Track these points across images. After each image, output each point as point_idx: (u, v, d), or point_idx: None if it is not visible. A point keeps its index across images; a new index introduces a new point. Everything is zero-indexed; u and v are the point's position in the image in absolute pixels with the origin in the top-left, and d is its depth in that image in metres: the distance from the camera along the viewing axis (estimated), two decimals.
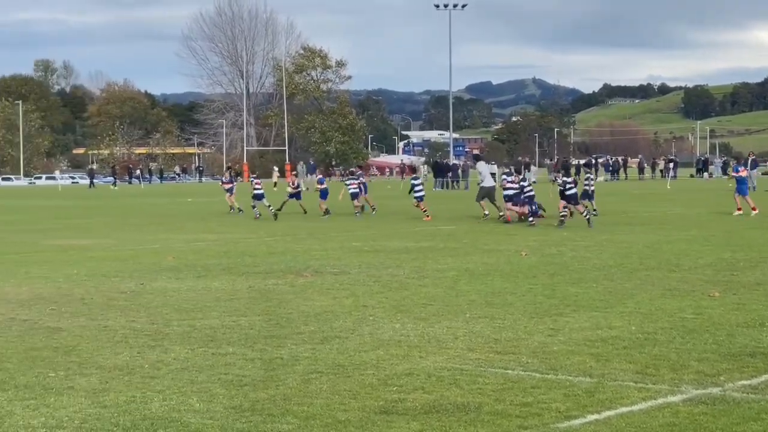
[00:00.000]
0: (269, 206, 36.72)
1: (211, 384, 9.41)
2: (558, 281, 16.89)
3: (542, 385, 9.21)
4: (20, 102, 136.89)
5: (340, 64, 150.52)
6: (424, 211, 34.93)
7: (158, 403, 8.72)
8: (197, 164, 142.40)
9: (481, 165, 37.73)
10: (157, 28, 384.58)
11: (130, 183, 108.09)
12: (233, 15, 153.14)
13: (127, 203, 37.87)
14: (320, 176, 42.58)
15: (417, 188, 35.42)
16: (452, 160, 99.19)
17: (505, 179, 33.73)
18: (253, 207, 36.84)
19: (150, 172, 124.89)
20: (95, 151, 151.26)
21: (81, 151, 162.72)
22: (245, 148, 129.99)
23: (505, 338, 11.63)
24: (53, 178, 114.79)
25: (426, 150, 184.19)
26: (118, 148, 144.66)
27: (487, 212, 34.31)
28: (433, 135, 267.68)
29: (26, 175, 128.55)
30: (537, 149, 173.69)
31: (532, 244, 24.03)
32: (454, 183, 74.84)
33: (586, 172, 38.46)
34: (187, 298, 15.46)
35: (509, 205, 32.79)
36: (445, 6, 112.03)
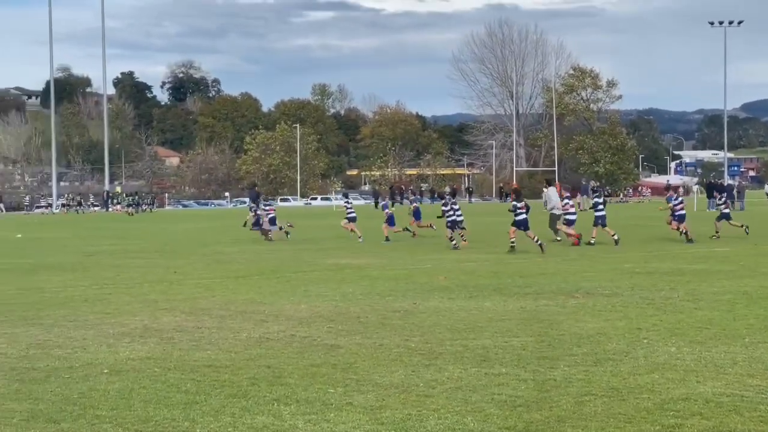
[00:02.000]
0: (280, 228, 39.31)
1: (485, 404, 9.45)
2: None
3: None
4: (298, 125, 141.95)
5: (611, 83, 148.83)
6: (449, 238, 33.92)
7: (434, 422, 8.82)
8: (467, 185, 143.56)
9: (551, 192, 36.98)
10: (428, 51, 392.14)
11: (400, 203, 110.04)
12: (503, 36, 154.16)
13: (399, 224, 38.57)
14: (384, 202, 43.01)
15: (457, 213, 35.02)
16: (727, 181, 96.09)
17: (567, 203, 33.36)
18: (269, 231, 38.84)
19: (421, 193, 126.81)
20: (368, 173, 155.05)
21: (354, 172, 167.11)
22: (515, 168, 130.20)
23: None
24: (328, 199, 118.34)
25: (699, 170, 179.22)
26: (389, 169, 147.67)
27: (559, 238, 34.49)
28: (706, 155, 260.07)
29: (302, 196, 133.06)
30: None
31: None
32: (730, 203, 72.52)
33: (720, 198, 37.16)
34: (459, 317, 15.58)
35: (570, 228, 32.73)
36: (720, 23, 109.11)
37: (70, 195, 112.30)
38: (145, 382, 10.66)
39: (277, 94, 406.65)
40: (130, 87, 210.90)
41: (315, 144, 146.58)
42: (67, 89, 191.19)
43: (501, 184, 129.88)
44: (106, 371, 11.34)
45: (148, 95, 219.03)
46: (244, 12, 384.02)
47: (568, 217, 33.26)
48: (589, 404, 9.34)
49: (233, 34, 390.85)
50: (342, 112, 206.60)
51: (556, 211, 35.22)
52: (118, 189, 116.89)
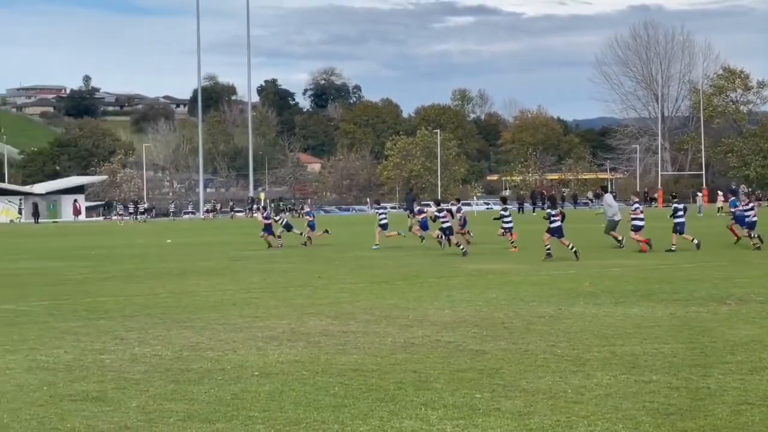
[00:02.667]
0: (300, 233, 40.81)
1: (636, 411, 9.30)
2: None
3: None
4: (438, 130, 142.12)
5: (762, 84, 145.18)
6: (512, 242, 35.37)
7: (584, 429, 8.72)
8: (610, 189, 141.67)
9: (608, 198, 36.97)
10: (569, 54, 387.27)
11: (542, 208, 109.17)
12: (648, 38, 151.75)
13: (539, 229, 38.16)
14: (419, 207, 43.00)
15: (506, 219, 36.03)
16: None
17: (637, 207, 33.10)
18: (279, 236, 40.18)
19: (563, 198, 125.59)
20: (508, 178, 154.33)
21: (494, 177, 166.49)
22: (659, 173, 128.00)
23: None
24: (468, 204, 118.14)
25: None
26: (530, 174, 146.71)
27: (621, 238, 34.52)
28: None
29: (443, 201, 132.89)
30: None
31: None
32: None
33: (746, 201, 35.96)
34: (605, 324, 15.38)
35: (637, 234, 32.68)
36: None
37: (214, 202, 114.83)
38: (294, 385, 10.79)
39: (417, 100, 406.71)
40: (273, 94, 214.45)
41: (455, 149, 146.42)
42: (213, 97, 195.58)
43: (646, 189, 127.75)
44: (256, 373, 11.52)
45: (291, 102, 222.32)
46: (385, 18, 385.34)
47: (635, 222, 32.94)
48: (745, 413, 9.11)
49: (373, 41, 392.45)
50: (482, 117, 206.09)
51: (616, 218, 35.37)
52: (262, 195, 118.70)
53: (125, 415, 9.51)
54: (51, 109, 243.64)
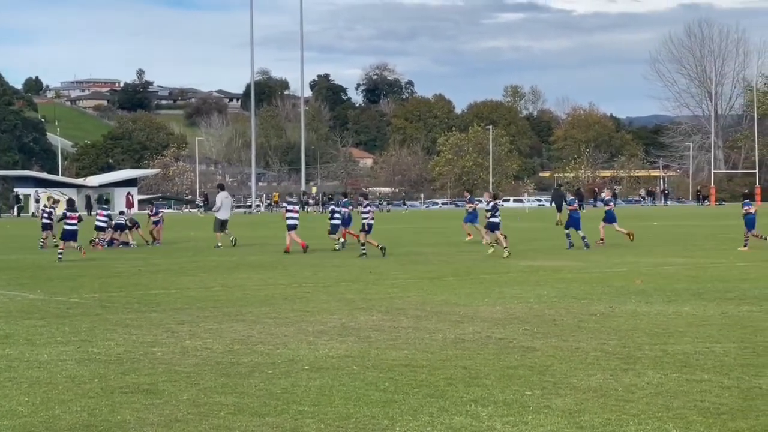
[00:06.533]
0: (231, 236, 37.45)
1: (687, 411, 9.24)
2: None
3: None
4: (491, 127, 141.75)
5: None
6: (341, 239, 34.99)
7: (634, 427, 8.68)
8: (662, 187, 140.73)
9: (221, 195, 38.23)
10: (620, 51, 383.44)
11: (593, 206, 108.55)
12: (703, 36, 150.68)
13: (593, 226, 37.94)
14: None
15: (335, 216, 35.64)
16: None
17: (495, 211, 33.08)
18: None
19: (615, 196, 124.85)
20: (560, 174, 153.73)
21: (547, 174, 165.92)
22: (712, 171, 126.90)
23: None
24: (520, 201, 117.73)
25: None
26: (582, 171, 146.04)
27: (233, 238, 37.05)
28: None
29: (494, 198, 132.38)
30: None
31: None
32: None
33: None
34: (657, 322, 15.29)
35: (495, 233, 32.37)
36: None
37: (264, 195, 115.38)
38: (344, 380, 10.83)
39: (469, 96, 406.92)
40: (326, 89, 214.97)
41: (508, 145, 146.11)
42: (266, 92, 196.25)
43: (698, 187, 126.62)
44: (306, 368, 11.57)
45: (343, 97, 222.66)
46: (434, 15, 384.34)
47: (492, 220, 32.72)
48: None
49: (424, 37, 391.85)
50: (535, 113, 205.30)
51: (220, 216, 37.11)
52: (314, 190, 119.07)
53: (176, 408, 9.58)
54: (104, 103, 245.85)
